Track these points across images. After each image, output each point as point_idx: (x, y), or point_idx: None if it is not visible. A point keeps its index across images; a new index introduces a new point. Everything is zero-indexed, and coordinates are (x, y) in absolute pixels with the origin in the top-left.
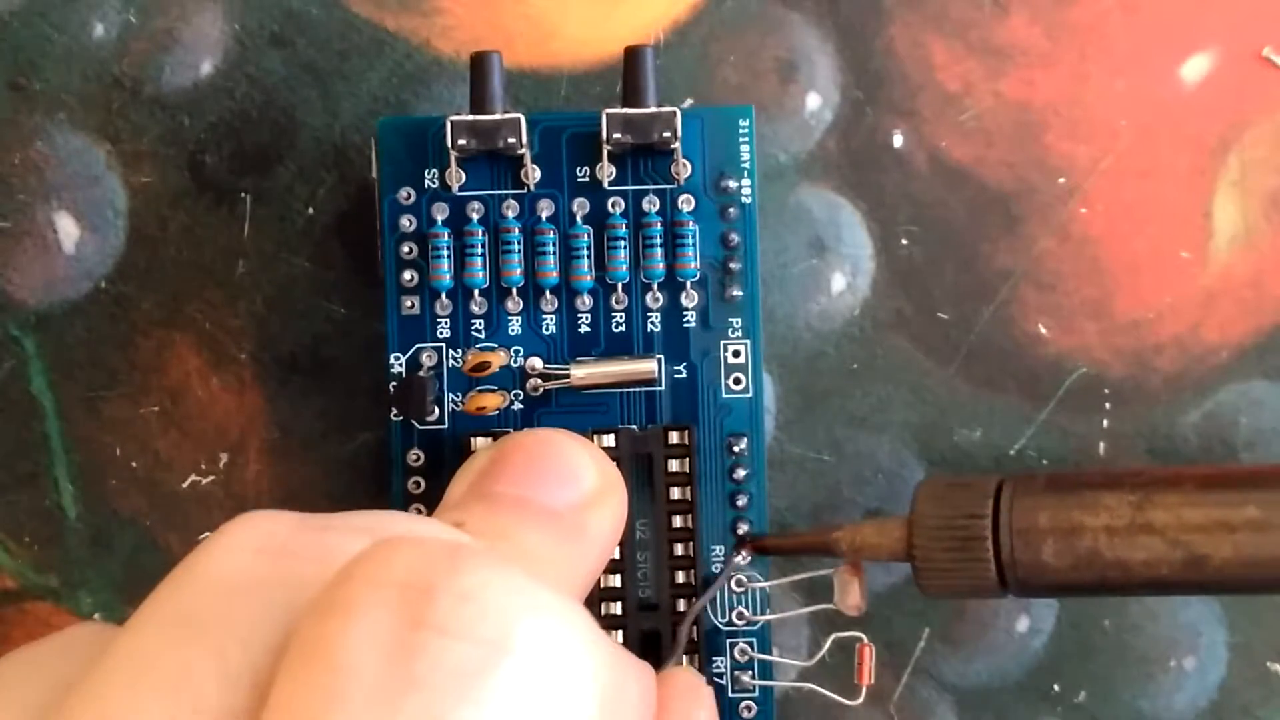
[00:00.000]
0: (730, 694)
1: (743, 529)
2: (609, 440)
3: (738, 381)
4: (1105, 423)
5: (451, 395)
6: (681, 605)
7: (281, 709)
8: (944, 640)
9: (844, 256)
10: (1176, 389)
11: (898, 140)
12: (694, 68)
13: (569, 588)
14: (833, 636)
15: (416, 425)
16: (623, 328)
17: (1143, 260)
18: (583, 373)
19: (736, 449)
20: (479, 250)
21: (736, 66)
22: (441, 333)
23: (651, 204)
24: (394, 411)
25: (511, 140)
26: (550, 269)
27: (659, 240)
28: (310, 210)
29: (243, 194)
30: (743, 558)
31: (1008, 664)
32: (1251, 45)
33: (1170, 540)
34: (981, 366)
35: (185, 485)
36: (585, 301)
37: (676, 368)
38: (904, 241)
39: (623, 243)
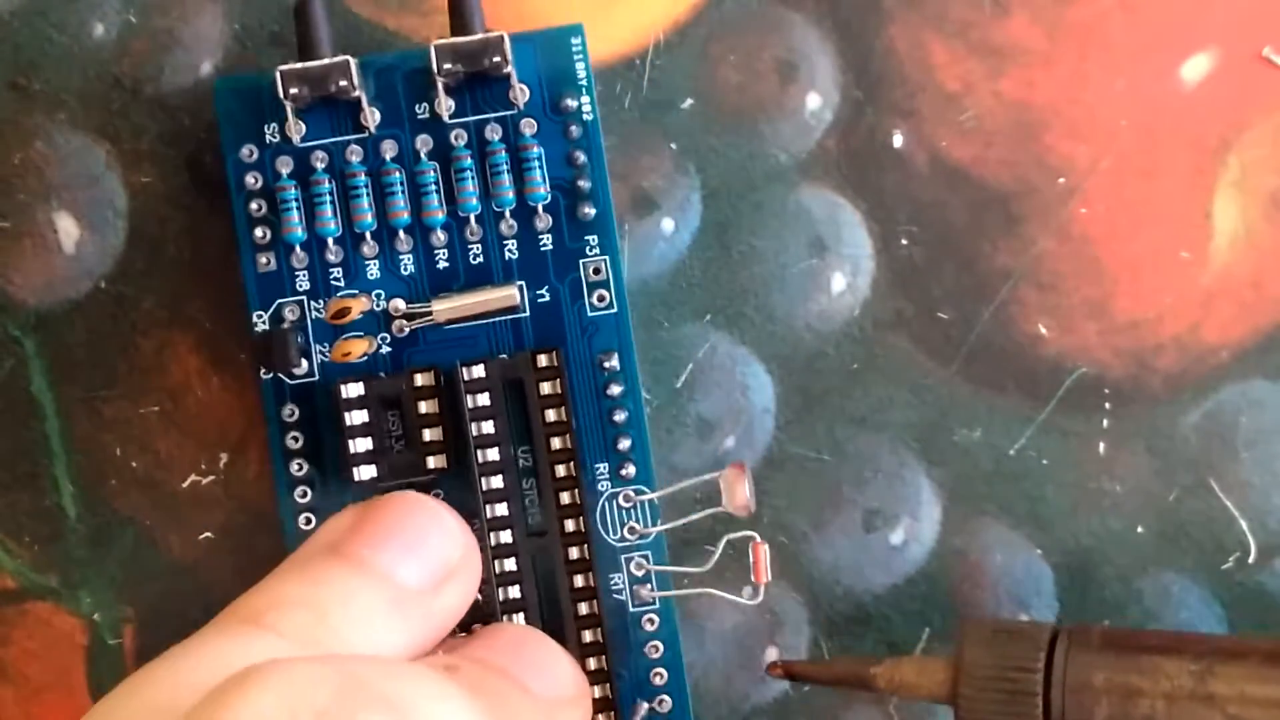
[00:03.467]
0: (632, 609)
1: (624, 444)
2: (479, 371)
3: (601, 299)
4: (1105, 423)
5: (319, 346)
6: (570, 526)
7: None
8: (944, 640)
9: (844, 256)
10: (1176, 389)
11: (898, 140)
12: (694, 68)
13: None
14: (725, 538)
15: (287, 381)
16: (480, 259)
17: (1143, 260)
18: (445, 307)
19: (607, 365)
20: (328, 199)
21: (736, 66)
22: (301, 285)
23: (494, 132)
24: (261, 370)
25: (344, 84)
26: (401, 209)
27: (506, 167)
28: None
29: None
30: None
31: None
32: (1251, 45)
33: (1230, 716)
34: (981, 366)
35: (185, 485)
36: (440, 237)
37: (539, 292)
38: (904, 241)
39: (470, 174)
